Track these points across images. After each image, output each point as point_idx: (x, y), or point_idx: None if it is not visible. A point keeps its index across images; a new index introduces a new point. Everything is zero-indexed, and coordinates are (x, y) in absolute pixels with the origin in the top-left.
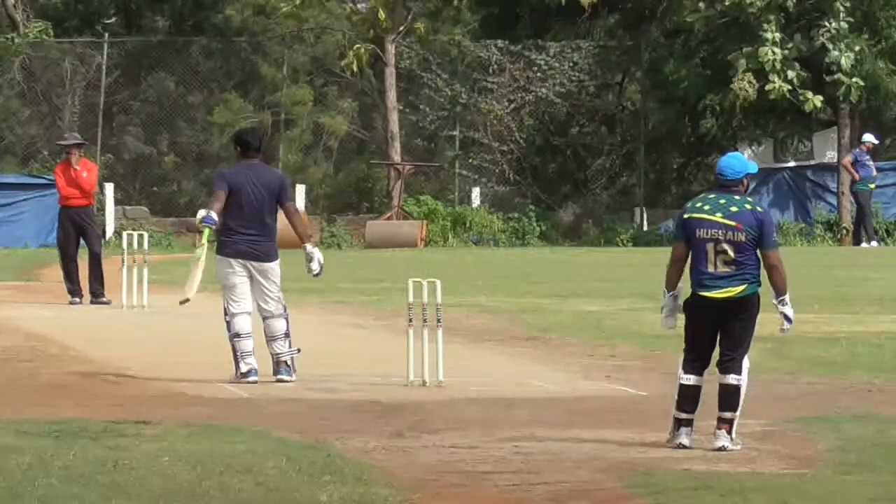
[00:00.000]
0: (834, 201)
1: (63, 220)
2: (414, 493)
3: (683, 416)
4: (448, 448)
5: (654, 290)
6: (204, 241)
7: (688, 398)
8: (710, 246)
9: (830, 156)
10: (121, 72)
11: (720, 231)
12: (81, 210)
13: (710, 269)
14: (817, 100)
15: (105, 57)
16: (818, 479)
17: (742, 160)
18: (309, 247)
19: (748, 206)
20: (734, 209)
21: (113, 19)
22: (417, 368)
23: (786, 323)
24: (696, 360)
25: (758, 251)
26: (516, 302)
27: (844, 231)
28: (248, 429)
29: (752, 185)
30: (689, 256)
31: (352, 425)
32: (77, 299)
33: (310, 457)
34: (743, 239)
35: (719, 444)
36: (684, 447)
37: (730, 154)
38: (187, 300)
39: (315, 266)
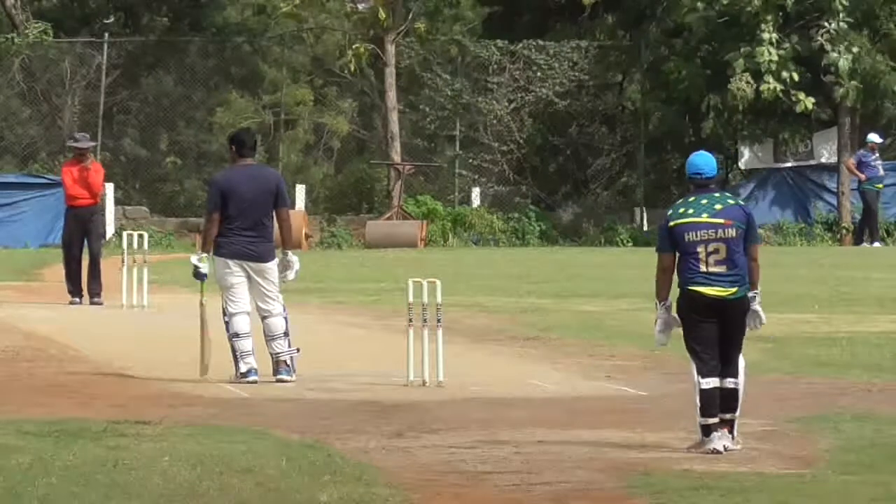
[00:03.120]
0: (834, 201)
1: (69, 220)
2: (414, 493)
3: (711, 420)
4: (448, 448)
5: (653, 291)
6: (202, 297)
7: (711, 402)
8: (700, 248)
9: (830, 155)
10: (120, 72)
11: (709, 231)
12: (88, 210)
13: (703, 268)
14: (809, 101)
15: (105, 57)
16: (818, 479)
17: (711, 157)
18: (290, 254)
19: (731, 202)
20: (718, 207)
21: (112, 19)
22: (417, 368)
23: (757, 322)
24: (710, 362)
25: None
26: (516, 302)
27: (844, 231)
28: (248, 429)
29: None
30: (677, 262)
31: (352, 425)
32: (77, 299)
33: (310, 457)
34: (734, 234)
35: (721, 444)
36: (718, 452)
37: (699, 153)
38: (206, 370)
39: (291, 275)
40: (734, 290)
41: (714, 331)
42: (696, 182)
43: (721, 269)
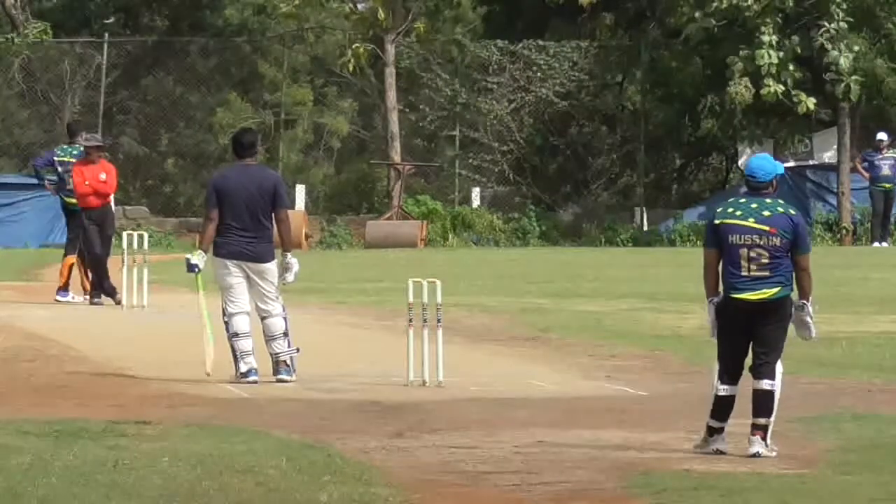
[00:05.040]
0: (834, 201)
1: (83, 221)
2: (414, 493)
3: (718, 424)
4: (448, 448)
5: (654, 290)
6: (200, 290)
7: (723, 408)
8: (743, 251)
9: (830, 156)
10: (120, 72)
11: (754, 237)
12: (97, 211)
13: (744, 273)
14: (810, 101)
15: (105, 57)
16: (818, 479)
17: (771, 161)
18: (289, 256)
19: (780, 210)
20: (767, 213)
21: (112, 20)
22: (417, 368)
23: (806, 333)
24: (731, 371)
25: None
26: (516, 302)
27: (844, 231)
28: (248, 429)
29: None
30: (721, 261)
31: (352, 425)
32: (118, 296)
33: (310, 457)
34: (778, 243)
35: (754, 450)
36: (722, 453)
37: (759, 155)
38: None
39: (290, 277)
40: (775, 290)
41: (745, 342)
42: (750, 184)
43: (763, 273)
